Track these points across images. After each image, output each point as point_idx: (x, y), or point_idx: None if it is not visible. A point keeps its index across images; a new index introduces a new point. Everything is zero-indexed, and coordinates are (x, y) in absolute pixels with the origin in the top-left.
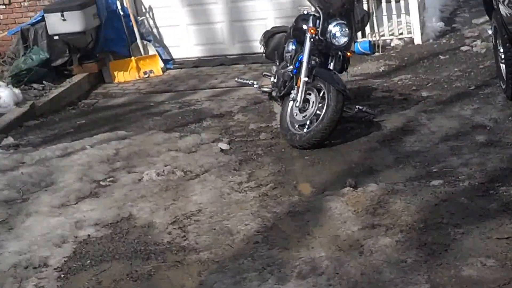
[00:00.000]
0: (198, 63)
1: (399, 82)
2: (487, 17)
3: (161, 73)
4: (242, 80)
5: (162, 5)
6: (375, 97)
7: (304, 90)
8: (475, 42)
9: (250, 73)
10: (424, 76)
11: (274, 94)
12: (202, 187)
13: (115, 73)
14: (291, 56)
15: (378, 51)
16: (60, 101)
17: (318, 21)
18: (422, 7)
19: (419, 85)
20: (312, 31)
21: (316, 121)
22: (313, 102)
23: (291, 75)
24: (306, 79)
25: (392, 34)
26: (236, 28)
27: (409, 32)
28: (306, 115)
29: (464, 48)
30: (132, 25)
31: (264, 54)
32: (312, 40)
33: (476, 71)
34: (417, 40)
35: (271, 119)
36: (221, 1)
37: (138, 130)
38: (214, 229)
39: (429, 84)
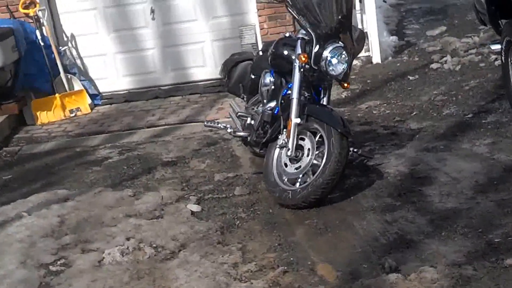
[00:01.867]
0: (129, 97)
1: (374, 112)
2: (442, 28)
3: (90, 110)
4: (212, 124)
5: (85, 32)
6: (354, 132)
7: (296, 134)
8: (444, 58)
9: (190, 107)
10: (400, 102)
11: (250, 139)
12: (186, 272)
13: (38, 113)
14: (268, 90)
15: None
16: None
17: (307, 45)
18: None
19: (400, 114)
20: (303, 58)
21: (313, 173)
22: (308, 149)
23: (273, 114)
24: (298, 120)
25: None
26: (169, 55)
27: (366, 50)
28: (300, 167)
29: (434, 66)
30: (54, 57)
31: (226, 87)
32: (302, 70)
33: (462, 94)
34: (376, 59)
35: (237, 166)
36: (151, 25)
37: (80, 187)
38: None
39: (414, 113)
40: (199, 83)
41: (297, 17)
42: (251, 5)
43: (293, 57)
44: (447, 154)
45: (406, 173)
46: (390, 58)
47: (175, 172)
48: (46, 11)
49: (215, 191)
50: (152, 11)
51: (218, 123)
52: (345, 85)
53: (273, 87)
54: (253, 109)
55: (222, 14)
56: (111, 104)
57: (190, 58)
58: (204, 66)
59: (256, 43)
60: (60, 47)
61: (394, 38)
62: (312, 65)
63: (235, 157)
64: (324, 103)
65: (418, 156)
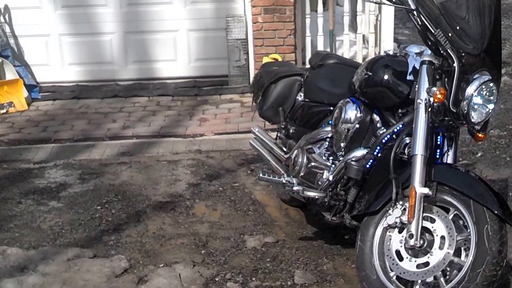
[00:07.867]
0: (79, 92)
1: None
2: None
3: (26, 107)
4: (270, 178)
5: (23, 5)
6: None
7: (421, 212)
8: None
9: (163, 113)
10: None
11: (321, 201)
12: None
13: None
14: (349, 130)
15: None
16: None
17: (435, 73)
18: None
19: (460, 153)
20: (440, 96)
21: (443, 274)
22: (442, 237)
23: (364, 170)
24: (426, 190)
25: None
26: (131, 43)
27: None
28: (428, 264)
29: None
30: None
31: (257, 109)
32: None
33: None
34: None
35: (268, 221)
36: (112, 3)
37: (39, 242)
38: None
39: (479, 155)
40: (168, 81)
41: (433, 31)
42: None
43: (407, 90)
44: None
45: None
46: None
47: (177, 223)
48: None
49: (260, 272)
50: None
51: (276, 175)
52: (481, 136)
53: (357, 126)
54: (310, 149)
55: None
56: (54, 100)
57: (158, 49)
58: (175, 60)
59: (246, 39)
60: None
61: None
62: (450, 106)
63: (257, 203)
64: (449, 161)
65: None
